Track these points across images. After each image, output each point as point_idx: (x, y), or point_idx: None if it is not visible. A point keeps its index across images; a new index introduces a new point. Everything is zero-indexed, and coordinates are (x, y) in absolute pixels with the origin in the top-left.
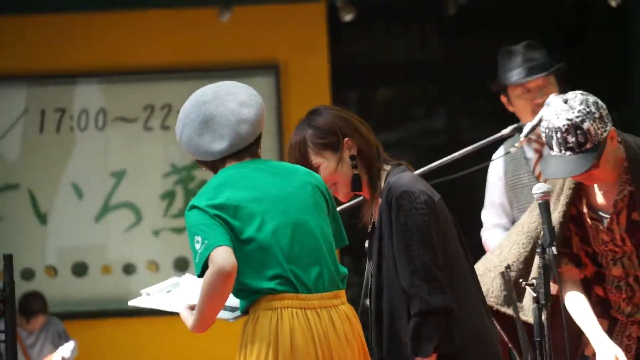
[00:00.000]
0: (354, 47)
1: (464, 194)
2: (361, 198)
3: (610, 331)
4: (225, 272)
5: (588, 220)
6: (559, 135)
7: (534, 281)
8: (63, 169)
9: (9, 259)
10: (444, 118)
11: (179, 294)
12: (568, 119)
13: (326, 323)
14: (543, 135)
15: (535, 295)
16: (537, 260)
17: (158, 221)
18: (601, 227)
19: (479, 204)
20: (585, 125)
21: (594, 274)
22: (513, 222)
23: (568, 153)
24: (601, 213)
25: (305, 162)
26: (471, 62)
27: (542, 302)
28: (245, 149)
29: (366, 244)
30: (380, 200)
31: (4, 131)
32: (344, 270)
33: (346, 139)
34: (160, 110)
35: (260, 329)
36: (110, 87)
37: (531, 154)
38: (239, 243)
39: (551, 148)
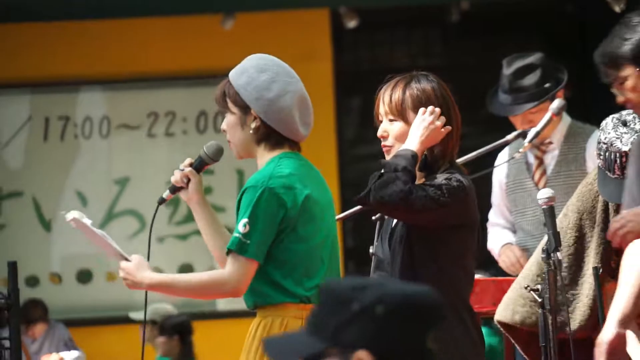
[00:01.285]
0: (357, 53)
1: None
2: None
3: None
4: (237, 294)
5: None
6: (624, 159)
7: (539, 287)
8: (67, 176)
9: (13, 266)
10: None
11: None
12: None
13: None
14: (601, 157)
15: (540, 300)
16: (534, 265)
17: (162, 228)
18: None
19: (483, 209)
20: None
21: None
22: (512, 224)
23: None
24: None
25: (395, 109)
26: (474, 68)
27: (547, 307)
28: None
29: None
30: None
31: (8, 139)
32: None
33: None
34: (164, 118)
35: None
36: (114, 95)
37: (532, 160)
38: (294, 239)
39: (611, 171)
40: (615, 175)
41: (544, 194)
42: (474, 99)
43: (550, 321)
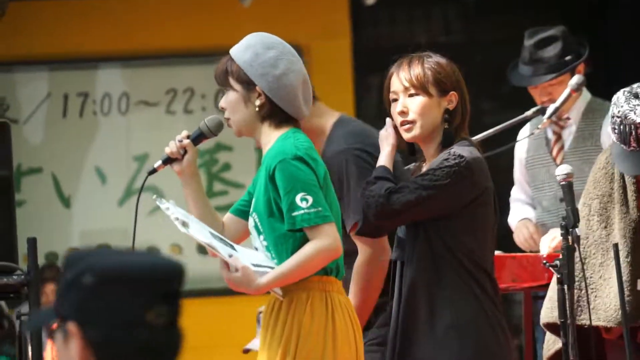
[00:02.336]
0: (376, 30)
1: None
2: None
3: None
4: (340, 253)
5: None
6: (638, 131)
7: (558, 262)
8: (86, 153)
9: (32, 242)
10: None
11: (202, 228)
12: None
13: (352, 310)
14: (616, 131)
15: (559, 276)
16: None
17: (181, 205)
18: None
19: (502, 185)
20: None
21: None
22: (532, 200)
23: None
24: None
25: (417, 83)
26: (493, 45)
27: (566, 282)
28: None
29: None
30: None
31: (28, 116)
32: None
33: (453, 92)
34: (183, 94)
35: (318, 312)
36: (133, 71)
37: (551, 135)
38: None
39: (627, 144)
40: (632, 148)
41: (562, 170)
42: (494, 76)
43: (567, 297)
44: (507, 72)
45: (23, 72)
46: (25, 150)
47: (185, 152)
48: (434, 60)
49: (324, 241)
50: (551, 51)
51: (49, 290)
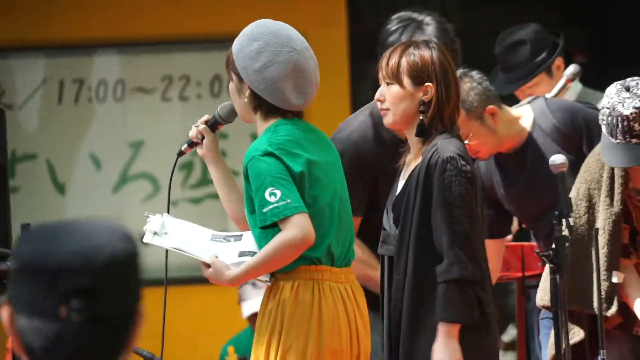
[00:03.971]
0: (373, 19)
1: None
2: None
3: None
4: (310, 242)
5: (638, 203)
6: (625, 123)
7: (550, 252)
8: (81, 140)
9: (26, 228)
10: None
11: (181, 237)
12: (635, 107)
13: (352, 299)
14: (604, 122)
15: (552, 266)
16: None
17: (176, 192)
18: None
19: None
20: None
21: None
22: None
23: (634, 140)
24: None
25: (391, 73)
26: (490, 34)
27: (559, 273)
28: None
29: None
30: (420, 158)
31: (23, 102)
32: None
33: (429, 83)
34: (179, 81)
35: (302, 297)
36: (129, 58)
37: None
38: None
39: (614, 136)
40: (618, 140)
41: (556, 159)
42: (491, 65)
43: (561, 286)
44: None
45: (18, 58)
46: (20, 137)
47: (204, 137)
48: (416, 52)
49: (290, 232)
50: (520, 56)
51: None
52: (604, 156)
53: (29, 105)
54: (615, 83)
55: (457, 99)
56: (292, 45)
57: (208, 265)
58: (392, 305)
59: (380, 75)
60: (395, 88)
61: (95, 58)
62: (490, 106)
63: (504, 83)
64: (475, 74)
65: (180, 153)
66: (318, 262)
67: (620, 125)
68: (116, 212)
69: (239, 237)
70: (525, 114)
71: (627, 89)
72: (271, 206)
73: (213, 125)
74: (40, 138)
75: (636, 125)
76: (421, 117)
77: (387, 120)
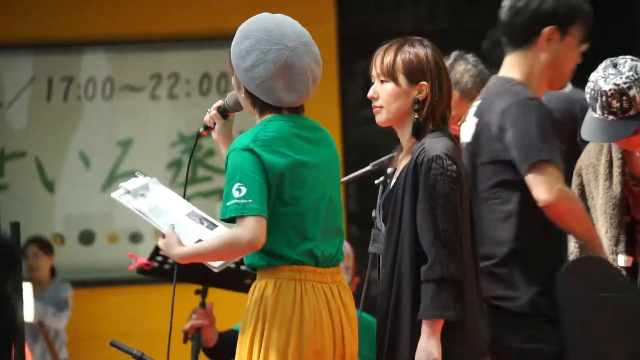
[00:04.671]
0: (361, 17)
1: None
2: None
3: None
4: (256, 247)
5: (632, 187)
6: (604, 99)
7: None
8: (70, 138)
9: (16, 226)
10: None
11: (157, 203)
12: (615, 84)
13: (337, 298)
14: (587, 96)
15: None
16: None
17: None
18: None
19: None
20: (632, 92)
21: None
22: None
23: (611, 117)
24: None
25: (386, 70)
26: (479, 32)
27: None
28: (300, 105)
29: (378, 198)
30: (410, 157)
31: (11, 99)
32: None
33: (423, 82)
34: (167, 80)
35: (283, 298)
36: (117, 56)
37: None
38: (280, 203)
39: (594, 110)
40: (597, 115)
41: None
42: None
43: None
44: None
45: (7, 55)
46: (9, 135)
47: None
48: (411, 50)
49: (239, 232)
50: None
51: (31, 253)
52: (582, 130)
53: (18, 103)
54: (607, 59)
55: (450, 98)
56: (284, 42)
57: (164, 236)
58: (379, 304)
59: (373, 73)
60: (390, 86)
61: (84, 56)
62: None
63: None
64: (470, 56)
65: (198, 135)
66: (300, 262)
67: (599, 100)
68: (105, 210)
69: (213, 226)
70: None
71: (615, 66)
72: (233, 201)
73: (223, 112)
74: (29, 136)
75: (614, 101)
76: (416, 116)
77: (380, 118)
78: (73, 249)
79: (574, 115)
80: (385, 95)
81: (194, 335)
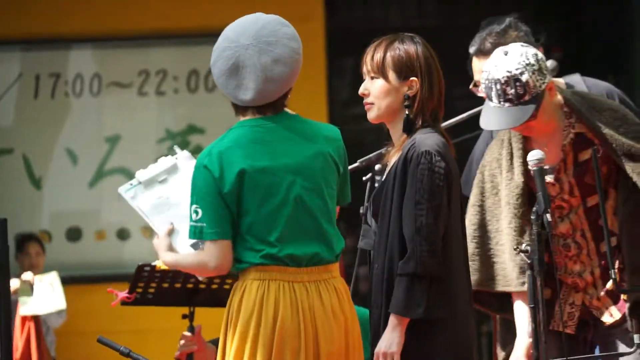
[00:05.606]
0: (349, 14)
1: (459, 161)
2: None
3: (554, 299)
4: (222, 271)
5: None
6: (498, 86)
7: (528, 248)
8: (57, 134)
9: (3, 223)
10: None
11: (171, 194)
12: (508, 71)
13: (313, 297)
14: (483, 86)
15: (529, 262)
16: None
17: None
18: (548, 179)
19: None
20: (524, 77)
21: None
22: None
23: (507, 104)
24: (546, 167)
25: (376, 67)
26: (467, 29)
27: (536, 268)
28: (270, 104)
29: (367, 193)
30: (400, 152)
31: None
32: (341, 244)
33: (414, 78)
34: (155, 76)
35: (246, 298)
36: (105, 53)
37: None
38: (238, 212)
39: (490, 99)
40: (494, 104)
41: (534, 155)
42: (467, 60)
43: (538, 283)
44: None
45: None
46: None
47: None
48: (401, 46)
49: (205, 257)
50: None
51: (33, 251)
52: (481, 120)
53: (5, 100)
54: (500, 47)
55: (441, 94)
56: (241, 40)
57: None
58: (373, 298)
59: (364, 70)
60: (380, 82)
61: (72, 52)
62: None
63: None
64: (522, 25)
65: None
66: (263, 265)
67: (494, 88)
68: (92, 207)
69: (175, 170)
70: (558, 84)
71: (505, 54)
72: (192, 223)
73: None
74: (17, 132)
75: (508, 88)
76: (407, 112)
77: (371, 115)
78: (60, 246)
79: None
80: (375, 92)
81: None
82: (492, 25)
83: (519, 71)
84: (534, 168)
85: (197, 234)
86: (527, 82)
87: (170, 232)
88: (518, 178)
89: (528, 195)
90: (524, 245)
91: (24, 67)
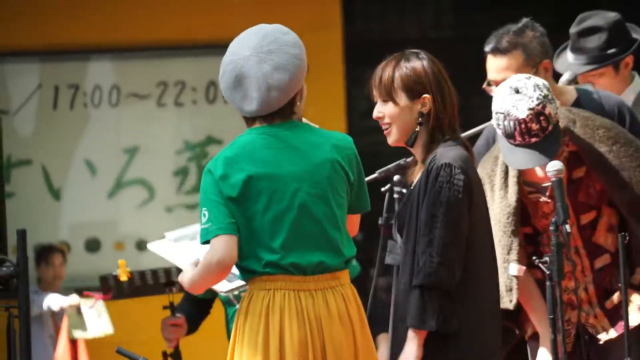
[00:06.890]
0: (367, 23)
1: None
2: (398, 163)
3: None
4: (225, 265)
5: (528, 195)
6: (522, 126)
7: (547, 258)
8: (76, 145)
9: (22, 234)
10: (456, 96)
11: (197, 244)
12: (530, 109)
13: (319, 305)
14: (500, 127)
15: (548, 272)
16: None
17: (171, 198)
18: (542, 198)
19: None
20: (547, 110)
21: (531, 256)
22: None
23: (534, 139)
24: (540, 185)
25: (384, 90)
26: (484, 39)
27: (555, 279)
28: (276, 112)
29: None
30: (424, 168)
31: (18, 107)
32: (351, 251)
33: (425, 95)
34: (174, 87)
35: (252, 308)
36: (124, 64)
37: None
38: (243, 219)
39: (512, 138)
40: (517, 142)
41: (553, 166)
42: (485, 71)
43: (557, 293)
44: (554, 55)
45: (14, 63)
46: (15, 142)
47: None
48: (408, 64)
49: (207, 256)
50: (594, 42)
51: (58, 262)
52: (507, 160)
53: (24, 111)
54: (503, 85)
55: (454, 106)
56: (242, 52)
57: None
58: (400, 313)
59: (374, 93)
60: (392, 105)
61: (91, 63)
62: (547, 60)
63: (569, 63)
64: (539, 26)
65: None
66: (268, 274)
67: (518, 128)
68: (111, 218)
69: None
70: (568, 92)
71: (517, 91)
72: (202, 226)
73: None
74: (36, 143)
75: (533, 125)
76: (417, 129)
77: (391, 140)
78: (79, 257)
79: (622, 116)
80: (389, 115)
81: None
82: (509, 25)
83: (540, 106)
84: (554, 179)
85: (206, 236)
86: (549, 114)
87: (196, 264)
88: (511, 197)
89: (519, 214)
90: (544, 256)
91: (43, 78)
